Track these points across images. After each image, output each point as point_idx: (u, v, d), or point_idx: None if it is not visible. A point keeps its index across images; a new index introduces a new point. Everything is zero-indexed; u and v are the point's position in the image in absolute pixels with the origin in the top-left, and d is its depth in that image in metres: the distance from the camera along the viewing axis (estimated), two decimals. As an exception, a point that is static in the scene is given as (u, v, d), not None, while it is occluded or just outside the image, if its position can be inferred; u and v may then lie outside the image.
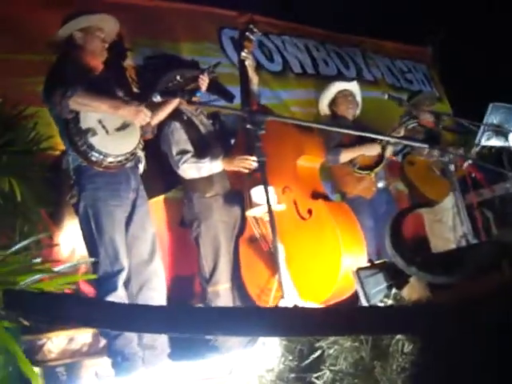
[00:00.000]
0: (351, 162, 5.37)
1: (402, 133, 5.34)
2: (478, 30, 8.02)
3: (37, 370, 4.16)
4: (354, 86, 5.84)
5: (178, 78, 4.68)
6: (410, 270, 2.29)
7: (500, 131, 5.65)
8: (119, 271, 3.88)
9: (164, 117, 4.52)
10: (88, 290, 4.38)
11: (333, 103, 5.76)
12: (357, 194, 5.35)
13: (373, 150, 5.38)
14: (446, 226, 5.90)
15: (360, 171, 5.38)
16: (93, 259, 3.91)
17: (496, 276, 2.11)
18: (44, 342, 4.37)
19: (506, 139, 5.72)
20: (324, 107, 5.82)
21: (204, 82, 4.52)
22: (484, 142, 5.70)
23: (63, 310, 1.41)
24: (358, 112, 5.83)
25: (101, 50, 4.27)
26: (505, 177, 5.82)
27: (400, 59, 8.25)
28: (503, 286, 2.02)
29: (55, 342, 4.40)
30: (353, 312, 1.67)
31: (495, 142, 5.77)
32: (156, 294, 4.08)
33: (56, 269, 3.09)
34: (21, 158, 4.07)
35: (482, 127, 5.57)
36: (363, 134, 5.12)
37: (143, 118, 4.01)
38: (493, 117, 5.61)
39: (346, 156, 5.33)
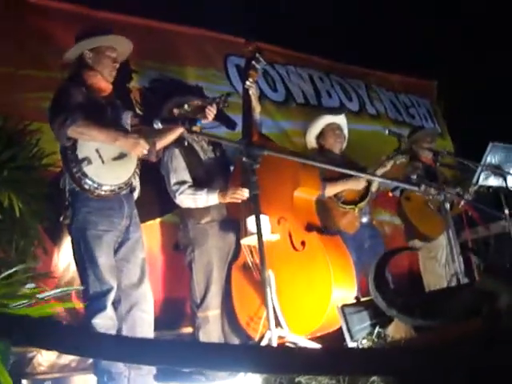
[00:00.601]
0: (336, 196, 5.33)
1: (388, 167, 5.31)
2: (483, 68, 8.11)
3: (25, 382, 4.22)
4: (341, 120, 5.79)
5: (186, 106, 4.74)
6: (391, 312, 2.33)
7: (498, 172, 5.68)
8: (107, 291, 3.91)
9: (168, 143, 4.55)
10: (80, 307, 4.41)
11: (320, 136, 5.69)
12: (339, 228, 5.26)
13: (358, 185, 5.35)
14: (440, 263, 5.86)
15: (344, 206, 5.34)
16: (78, 287, 3.97)
17: (475, 322, 2.14)
18: (34, 354, 4.40)
19: (504, 179, 5.74)
20: (311, 140, 5.74)
21: (211, 113, 4.55)
22: (482, 182, 5.72)
23: (43, 336, 1.46)
24: (344, 145, 5.77)
25: (110, 71, 4.28)
26: (501, 215, 5.83)
27: (404, 93, 8.29)
28: (481, 332, 2.06)
29: (45, 356, 4.44)
30: (333, 353, 1.71)
31: (493, 182, 5.79)
32: (145, 315, 4.11)
33: (41, 295, 3.15)
34: (22, 173, 4.12)
35: (479, 167, 5.60)
36: (357, 174, 5.09)
37: (140, 150, 4.03)
38: (492, 156, 5.63)
39: (331, 190, 5.27)
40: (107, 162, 3.95)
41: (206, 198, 4.58)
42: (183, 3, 6.11)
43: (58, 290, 3.43)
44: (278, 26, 6.68)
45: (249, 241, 4.33)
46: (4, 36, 4.83)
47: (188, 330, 4.97)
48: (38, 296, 3.17)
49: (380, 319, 2.67)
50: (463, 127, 8.05)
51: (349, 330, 2.77)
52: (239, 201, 4.43)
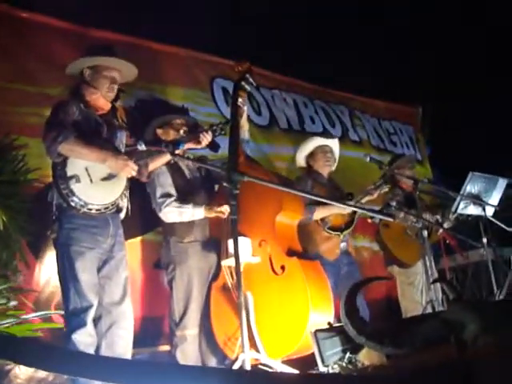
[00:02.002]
0: (322, 220, 5.36)
1: (375, 196, 5.41)
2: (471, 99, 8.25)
3: (2, 393, 4.23)
4: (334, 144, 5.79)
5: (182, 132, 4.84)
6: (360, 339, 2.39)
7: (477, 201, 5.76)
8: (87, 308, 3.93)
9: (160, 165, 4.64)
10: (60, 322, 4.43)
11: (311, 157, 5.69)
12: (319, 253, 5.27)
13: (345, 208, 5.33)
14: (418, 289, 5.91)
15: (330, 231, 5.37)
16: (62, 311, 4.02)
17: (442, 350, 2.20)
18: (11, 367, 4.40)
19: (483, 209, 5.83)
20: (301, 159, 5.75)
21: (205, 139, 4.65)
22: (461, 211, 5.81)
23: (17, 353, 1.51)
24: (333, 169, 5.77)
25: (107, 91, 4.30)
26: (478, 244, 5.92)
27: (388, 120, 8.38)
28: (447, 360, 2.12)
29: (22, 369, 4.43)
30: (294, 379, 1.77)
31: (472, 211, 5.88)
32: (123, 333, 4.12)
33: (25, 316, 3.19)
34: (6, 187, 4.16)
35: (459, 196, 5.68)
36: (338, 205, 5.09)
37: (129, 171, 4.09)
38: (471, 186, 5.72)
39: (319, 213, 5.31)
40: (95, 182, 3.99)
41: (192, 212, 4.63)
42: (171, 23, 6.18)
43: (43, 313, 3.47)
44: (265, 49, 6.76)
45: (229, 262, 4.35)
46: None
47: (166, 348, 4.98)
48: (23, 317, 3.22)
49: (351, 345, 2.73)
50: (447, 154, 8.17)
51: (321, 355, 2.83)
52: (224, 216, 4.47)
